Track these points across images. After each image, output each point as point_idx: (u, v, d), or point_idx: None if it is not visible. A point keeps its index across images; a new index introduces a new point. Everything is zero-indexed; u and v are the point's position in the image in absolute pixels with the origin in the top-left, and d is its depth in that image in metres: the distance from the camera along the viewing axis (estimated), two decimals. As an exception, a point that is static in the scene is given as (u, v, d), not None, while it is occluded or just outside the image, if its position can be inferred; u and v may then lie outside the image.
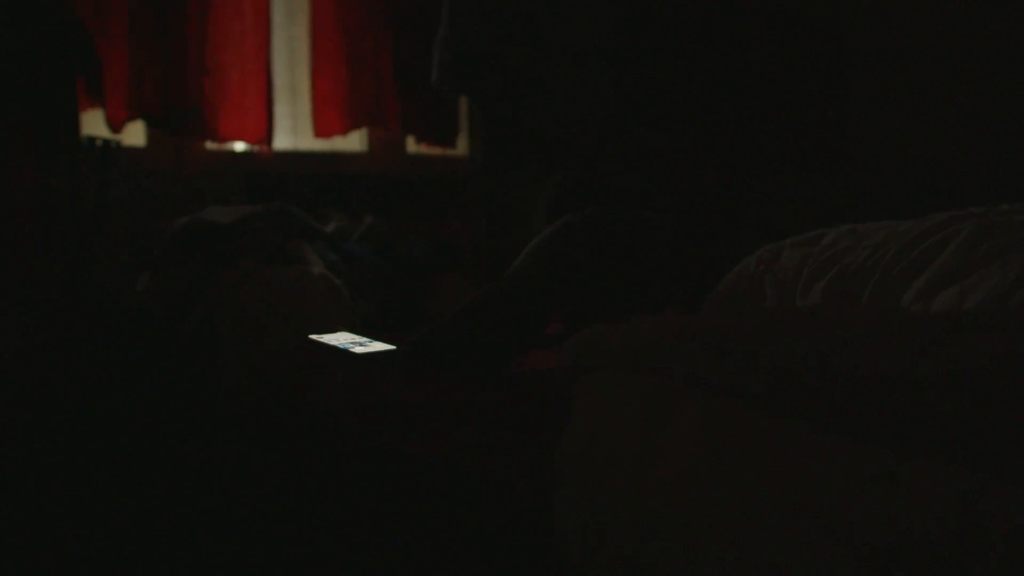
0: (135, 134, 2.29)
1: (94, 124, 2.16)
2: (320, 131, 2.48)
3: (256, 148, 2.40)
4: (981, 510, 0.45)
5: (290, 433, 1.22)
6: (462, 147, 2.74)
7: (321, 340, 1.41)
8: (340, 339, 1.42)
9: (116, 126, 2.19)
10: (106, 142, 2.06)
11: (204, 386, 1.63)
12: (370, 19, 2.51)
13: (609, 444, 0.60)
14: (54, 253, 1.73)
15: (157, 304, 1.77)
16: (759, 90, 2.43)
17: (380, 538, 0.96)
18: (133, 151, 2.24)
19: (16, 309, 1.62)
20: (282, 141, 2.48)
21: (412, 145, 2.69)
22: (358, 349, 1.36)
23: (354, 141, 2.61)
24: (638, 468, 0.57)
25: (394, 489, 0.93)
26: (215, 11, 2.31)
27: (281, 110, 2.47)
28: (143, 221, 2.05)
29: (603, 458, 0.60)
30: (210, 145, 2.37)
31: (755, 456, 0.53)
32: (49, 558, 1.41)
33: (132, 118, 2.21)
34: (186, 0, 2.27)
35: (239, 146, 2.41)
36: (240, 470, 1.38)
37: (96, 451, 1.57)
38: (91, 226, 1.96)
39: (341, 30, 2.48)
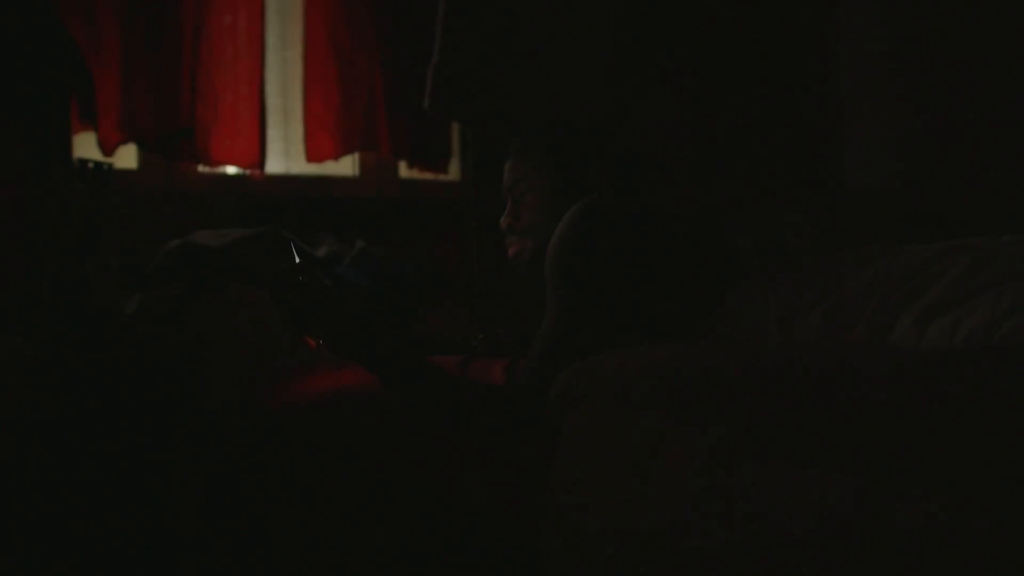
0: (127, 157, 2.29)
1: (86, 147, 2.16)
2: (312, 156, 2.49)
3: (248, 172, 2.40)
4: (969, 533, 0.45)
5: (281, 453, 1.22)
6: (454, 172, 2.75)
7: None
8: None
9: (108, 149, 2.19)
10: (98, 164, 2.06)
11: (192, 409, 1.62)
12: (363, 44, 2.53)
13: (597, 476, 0.60)
14: (45, 274, 1.73)
15: (146, 327, 1.76)
16: (752, 109, 2.45)
17: (369, 555, 0.96)
18: (125, 173, 2.24)
19: (6, 328, 1.61)
20: (274, 165, 2.49)
21: (404, 170, 2.70)
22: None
23: (346, 165, 2.62)
24: (626, 501, 0.57)
25: (384, 507, 0.92)
26: (209, 34, 2.32)
27: (273, 134, 2.47)
28: (134, 244, 2.05)
29: (591, 490, 0.60)
30: (202, 168, 2.37)
31: (744, 489, 0.53)
32: (43, 569, 1.40)
33: (124, 141, 2.21)
34: (180, 22, 2.27)
35: (231, 169, 2.41)
36: (230, 491, 1.37)
37: (85, 470, 1.56)
38: (82, 248, 1.96)
39: (334, 54, 2.49)
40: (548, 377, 0.96)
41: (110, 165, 2.10)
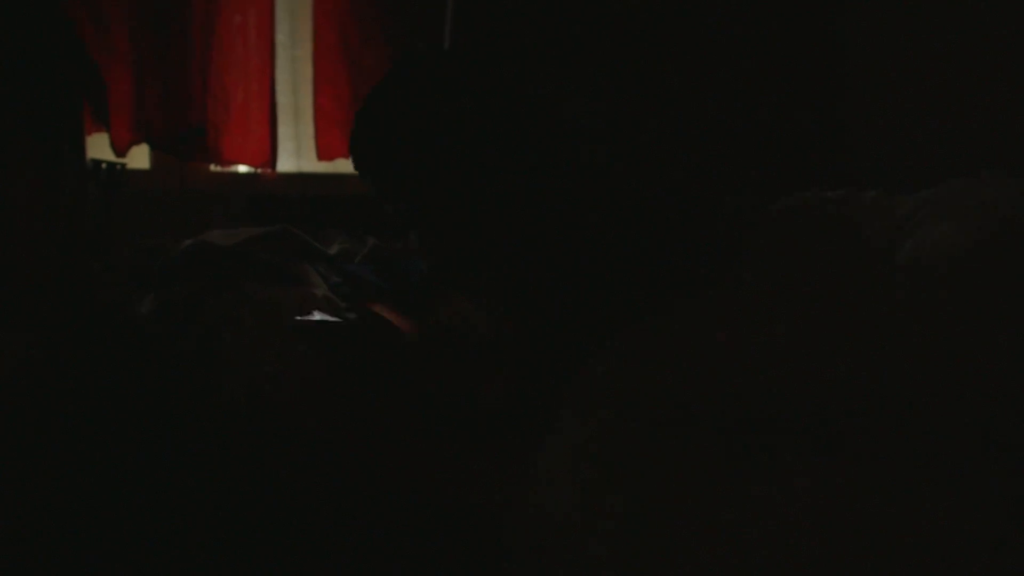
0: (140, 157, 2.31)
1: (100, 148, 2.18)
2: (323, 154, 2.50)
3: (259, 170, 2.41)
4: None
5: (289, 456, 1.23)
6: (464, 168, 2.75)
7: (306, 320, 1.39)
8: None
9: (121, 149, 2.20)
10: (111, 165, 2.08)
11: (204, 408, 1.64)
12: (372, 41, 2.53)
13: (573, 479, 0.61)
14: (59, 274, 1.75)
15: (158, 326, 1.78)
16: (753, 92, 2.43)
17: (365, 554, 0.97)
18: (138, 173, 2.26)
19: (19, 328, 1.63)
20: (285, 163, 2.50)
21: (414, 166, 2.70)
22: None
23: (357, 162, 2.62)
24: (600, 501, 0.57)
25: (387, 515, 0.93)
26: (219, 34, 2.33)
27: (284, 132, 2.48)
28: (147, 243, 2.07)
29: (570, 492, 0.61)
30: (214, 167, 2.39)
31: (708, 489, 0.53)
32: (51, 569, 1.41)
33: (137, 141, 2.23)
34: (190, 23, 2.29)
35: (243, 168, 2.42)
36: (237, 492, 1.38)
37: (94, 469, 1.57)
38: (96, 248, 1.98)
39: (344, 52, 2.50)
40: (537, 383, 0.97)
41: (123, 165, 2.12)
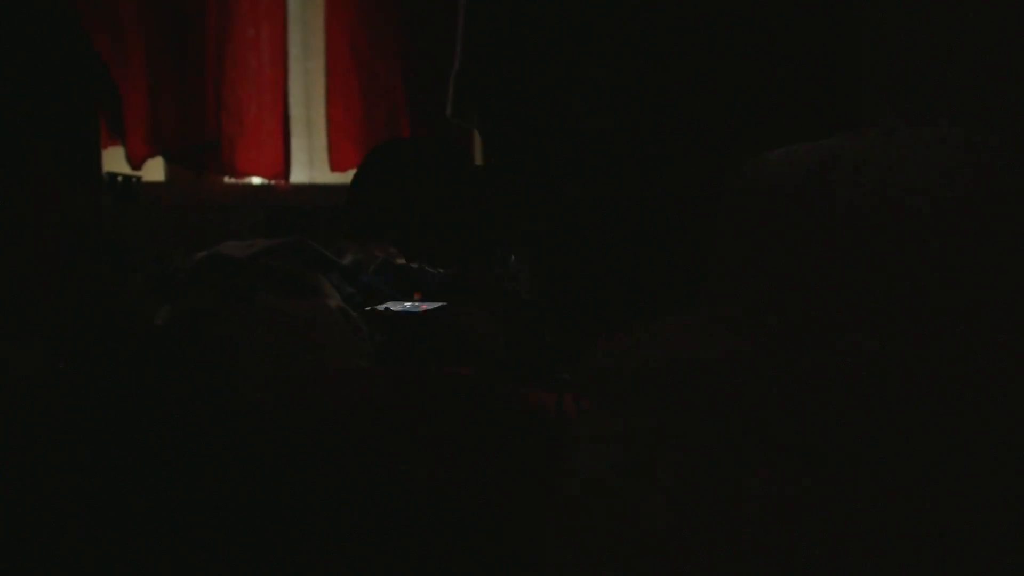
0: (155, 170, 2.33)
1: (116, 161, 2.21)
2: (336, 165, 2.52)
3: (273, 182, 2.44)
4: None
5: (299, 462, 1.24)
6: (476, 178, 2.76)
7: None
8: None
9: (136, 162, 2.23)
10: (127, 178, 2.11)
11: (218, 416, 1.65)
12: (384, 53, 2.55)
13: (601, 477, 0.61)
14: (76, 285, 1.76)
15: (174, 335, 1.79)
16: (761, 54, 2.40)
17: (377, 555, 0.98)
18: (153, 186, 2.29)
19: (37, 336, 1.65)
20: (299, 175, 2.52)
21: (427, 177, 2.72)
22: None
23: (370, 173, 2.64)
24: (625, 507, 0.58)
25: (400, 513, 0.94)
26: (233, 47, 2.36)
27: (297, 144, 2.50)
28: (163, 255, 2.09)
29: (594, 495, 0.61)
30: (228, 179, 2.41)
31: (734, 497, 0.53)
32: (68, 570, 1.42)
33: (152, 155, 2.26)
34: (204, 37, 2.32)
35: (257, 180, 2.45)
36: (250, 498, 1.39)
37: (111, 478, 1.58)
38: (112, 260, 2.00)
39: (356, 64, 2.52)
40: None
41: (138, 178, 2.15)
